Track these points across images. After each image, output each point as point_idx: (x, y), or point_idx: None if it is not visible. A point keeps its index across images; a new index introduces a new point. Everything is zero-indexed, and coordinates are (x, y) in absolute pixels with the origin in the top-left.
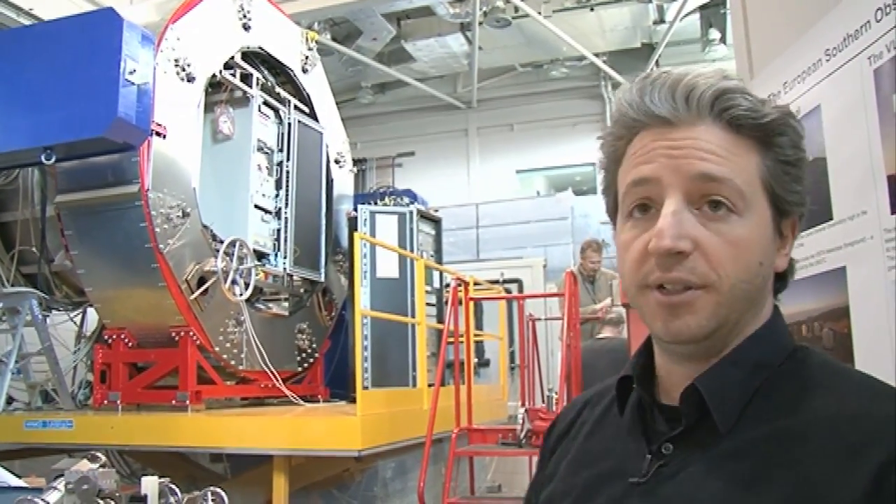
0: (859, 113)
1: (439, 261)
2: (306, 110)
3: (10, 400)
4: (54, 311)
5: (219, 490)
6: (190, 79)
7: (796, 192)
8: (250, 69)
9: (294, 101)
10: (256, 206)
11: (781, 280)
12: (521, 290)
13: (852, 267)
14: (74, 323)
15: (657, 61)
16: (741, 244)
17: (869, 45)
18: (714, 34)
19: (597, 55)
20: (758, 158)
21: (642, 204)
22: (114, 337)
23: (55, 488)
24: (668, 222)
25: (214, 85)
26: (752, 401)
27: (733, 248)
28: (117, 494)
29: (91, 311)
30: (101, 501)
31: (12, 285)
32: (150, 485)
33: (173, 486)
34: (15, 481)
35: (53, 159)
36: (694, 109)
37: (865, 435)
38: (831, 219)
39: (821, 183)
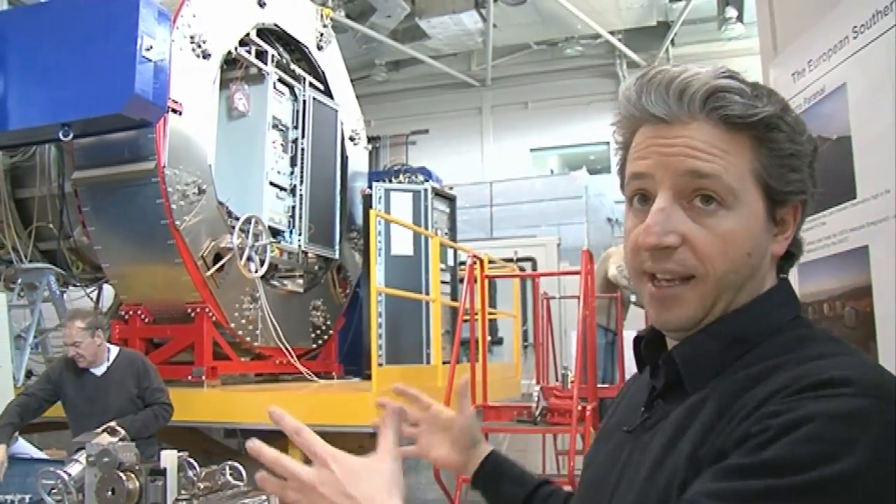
0: (886, 91)
1: (453, 238)
2: (321, 87)
3: (28, 374)
4: (71, 287)
5: (236, 464)
6: (206, 55)
7: (795, 181)
8: (265, 46)
9: (309, 78)
10: (271, 183)
11: (789, 259)
12: (534, 268)
13: (875, 246)
14: (91, 299)
15: (672, 40)
16: (728, 237)
17: None
18: (731, 12)
19: (612, 33)
20: (750, 154)
21: (642, 194)
22: (130, 313)
23: (76, 461)
24: (655, 219)
25: (230, 62)
26: (726, 371)
27: (721, 241)
28: (137, 467)
29: (107, 287)
30: (121, 474)
31: (30, 261)
32: (169, 458)
33: (191, 460)
34: (37, 453)
35: (71, 136)
36: (686, 108)
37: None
38: (855, 197)
39: (845, 161)
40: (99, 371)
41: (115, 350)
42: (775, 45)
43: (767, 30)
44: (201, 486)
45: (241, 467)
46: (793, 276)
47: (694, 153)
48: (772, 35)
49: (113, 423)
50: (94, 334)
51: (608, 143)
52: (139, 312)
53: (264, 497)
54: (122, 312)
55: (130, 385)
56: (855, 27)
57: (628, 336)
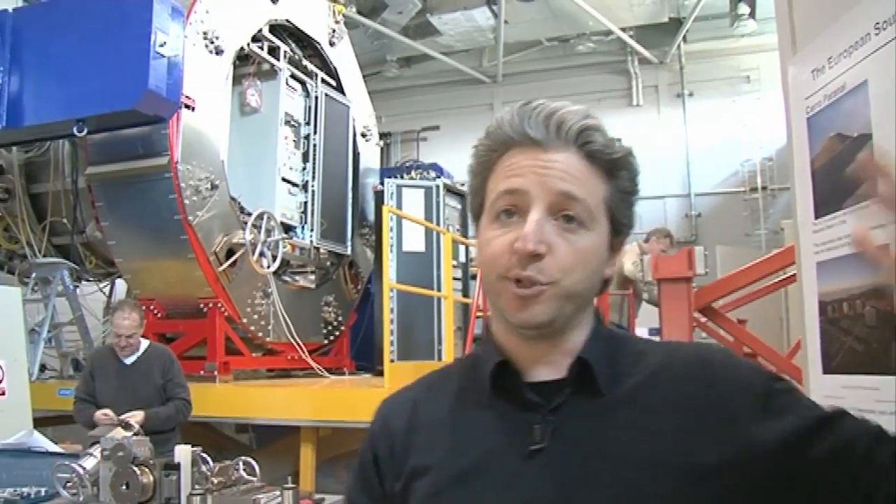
0: None
1: (465, 235)
2: (333, 83)
3: (42, 368)
4: (84, 282)
5: (250, 459)
6: (218, 51)
7: (629, 216)
8: (278, 42)
9: (321, 74)
10: (284, 179)
11: (604, 284)
12: None
13: None
14: (104, 293)
15: (685, 36)
16: (585, 253)
17: None
18: (743, 9)
19: (623, 30)
20: (604, 186)
21: (508, 210)
22: (143, 307)
23: (91, 455)
24: (533, 229)
25: (242, 58)
26: (618, 366)
27: (579, 255)
28: (151, 461)
29: (120, 282)
30: (135, 468)
31: (44, 256)
32: (183, 453)
33: (205, 455)
34: (53, 447)
35: (85, 131)
36: (563, 138)
37: (703, 365)
38: (876, 195)
39: None
40: (129, 360)
41: (145, 343)
42: (794, 42)
43: (786, 26)
44: (215, 480)
45: (254, 462)
46: (811, 274)
47: (568, 177)
48: (790, 32)
49: (140, 415)
50: (141, 326)
51: (619, 140)
52: (152, 307)
53: (277, 492)
54: None
55: (157, 376)
56: (877, 23)
57: (640, 333)
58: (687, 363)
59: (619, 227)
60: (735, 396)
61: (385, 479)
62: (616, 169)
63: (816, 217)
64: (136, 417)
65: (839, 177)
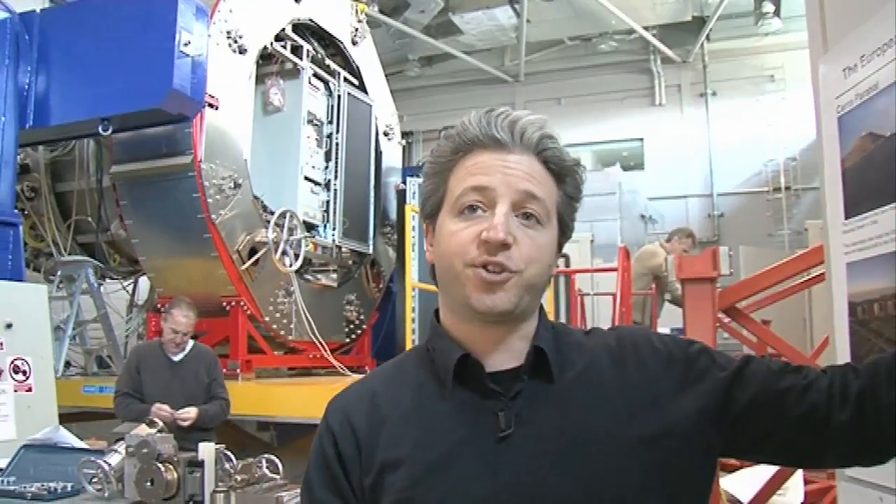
0: None
1: None
2: (356, 82)
3: (67, 364)
4: (108, 280)
5: (273, 457)
6: (242, 51)
7: (573, 221)
8: (301, 41)
9: (344, 73)
10: (306, 178)
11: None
12: (567, 265)
13: None
14: (127, 291)
15: (708, 35)
16: (542, 247)
17: None
18: (768, 7)
19: (646, 29)
20: (556, 190)
21: (473, 205)
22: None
23: (116, 451)
24: (502, 221)
25: (265, 57)
26: (561, 353)
27: (538, 249)
28: (175, 458)
29: (143, 280)
30: (160, 465)
31: (69, 254)
32: (206, 450)
33: (228, 453)
34: (78, 443)
35: (110, 130)
36: (524, 143)
37: (632, 346)
38: None
39: None
40: (177, 358)
41: (191, 342)
42: (825, 40)
43: (817, 24)
44: (238, 478)
45: (277, 460)
46: (841, 275)
47: (531, 179)
48: (821, 29)
49: (192, 411)
50: (194, 326)
51: (642, 140)
52: None
53: (300, 491)
54: (159, 305)
55: (203, 374)
56: None
57: (663, 332)
58: (615, 348)
59: (565, 228)
60: (662, 371)
61: (352, 475)
62: (565, 175)
63: (847, 217)
64: (190, 414)
65: (871, 176)
